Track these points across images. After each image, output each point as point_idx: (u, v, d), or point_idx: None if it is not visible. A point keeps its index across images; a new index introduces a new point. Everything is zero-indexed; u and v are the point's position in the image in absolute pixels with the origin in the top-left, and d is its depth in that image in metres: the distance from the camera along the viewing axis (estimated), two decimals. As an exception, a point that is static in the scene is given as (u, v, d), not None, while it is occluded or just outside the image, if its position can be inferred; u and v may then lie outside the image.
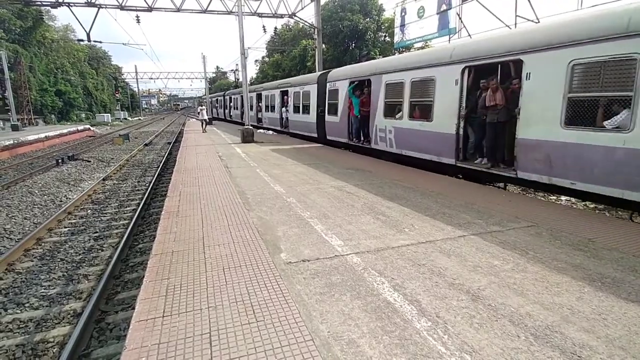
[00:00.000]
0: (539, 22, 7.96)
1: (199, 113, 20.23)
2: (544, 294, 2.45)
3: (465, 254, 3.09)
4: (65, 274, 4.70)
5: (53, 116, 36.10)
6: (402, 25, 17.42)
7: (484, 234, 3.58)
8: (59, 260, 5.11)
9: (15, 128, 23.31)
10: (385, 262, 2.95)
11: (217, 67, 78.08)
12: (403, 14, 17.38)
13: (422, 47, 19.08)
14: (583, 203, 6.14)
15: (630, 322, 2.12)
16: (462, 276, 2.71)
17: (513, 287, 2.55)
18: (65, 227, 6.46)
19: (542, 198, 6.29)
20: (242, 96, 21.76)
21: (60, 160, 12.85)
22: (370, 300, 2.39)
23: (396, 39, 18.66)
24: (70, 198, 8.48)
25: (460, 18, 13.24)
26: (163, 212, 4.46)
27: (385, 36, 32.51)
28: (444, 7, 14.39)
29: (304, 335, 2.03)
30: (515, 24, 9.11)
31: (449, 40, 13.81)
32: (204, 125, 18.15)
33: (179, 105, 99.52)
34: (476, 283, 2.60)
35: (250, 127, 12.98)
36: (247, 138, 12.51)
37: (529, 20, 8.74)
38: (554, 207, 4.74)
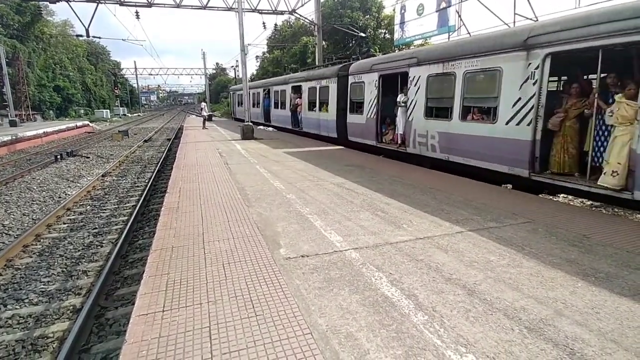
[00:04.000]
0: (537, 20, 7.96)
1: (201, 109, 20.15)
2: (539, 289, 2.49)
3: (462, 250, 3.13)
4: (64, 270, 4.71)
5: (51, 112, 35.88)
6: (402, 23, 17.38)
7: (481, 230, 3.62)
8: (58, 256, 5.11)
9: (13, 124, 23.16)
10: (384, 258, 2.98)
11: (217, 64, 77.46)
12: (403, 11, 17.34)
13: (423, 44, 19.05)
14: (580, 200, 6.18)
15: (623, 316, 2.16)
16: (459, 271, 2.74)
17: (508, 281, 2.59)
18: (64, 224, 6.46)
19: (539, 195, 6.33)
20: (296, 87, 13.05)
21: (59, 157, 12.80)
22: (368, 294, 2.43)
23: (396, 36, 18.62)
24: (69, 194, 8.47)
25: (459, 16, 13.21)
26: (163, 208, 4.48)
27: (385, 33, 32.40)
28: (443, 4, 14.37)
29: (302, 329, 2.06)
30: (514, 22, 9.11)
31: (449, 38, 13.79)
32: (204, 122, 18.26)
33: (182, 101, 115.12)
34: (472, 278, 2.64)
35: (250, 124, 12.93)
36: (247, 135, 12.49)
37: (527, 18, 8.74)
38: (551, 204, 4.77)
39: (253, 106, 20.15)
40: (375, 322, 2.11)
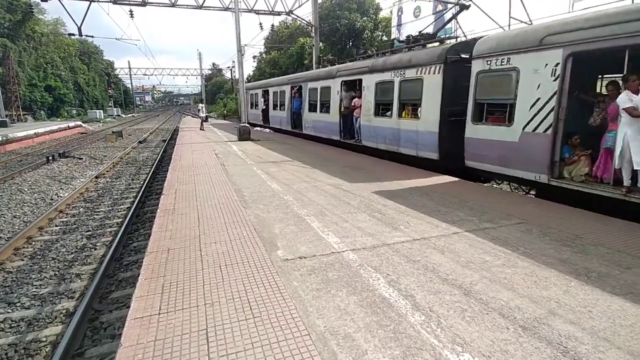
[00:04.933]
0: (531, 24, 8.11)
1: (199, 110, 20.04)
2: (533, 288, 2.53)
3: (458, 250, 3.16)
4: (57, 273, 4.63)
5: (42, 112, 35.34)
6: (399, 25, 17.56)
7: (477, 230, 3.66)
8: (50, 259, 5.03)
9: (3, 124, 22.76)
10: (381, 259, 3.00)
11: (213, 64, 77.04)
12: (400, 13, 17.55)
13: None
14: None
15: (615, 315, 2.21)
16: (455, 271, 2.77)
17: (504, 281, 2.62)
18: (56, 226, 6.36)
19: (532, 196, 6.42)
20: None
21: (50, 158, 12.60)
22: (366, 295, 2.44)
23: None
24: (61, 196, 8.34)
25: (456, 19, 13.37)
26: (158, 210, 4.44)
27: (382, 35, 32.62)
28: (439, 7, 14.56)
29: (300, 330, 2.06)
30: (509, 25, 9.27)
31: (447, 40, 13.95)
32: (202, 123, 18.24)
33: (177, 102, 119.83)
34: (468, 278, 2.67)
35: (247, 125, 12.90)
36: (244, 136, 12.45)
37: (522, 22, 8.90)
38: (544, 205, 4.84)
39: (274, 108, 15.61)
40: (373, 323, 2.12)
